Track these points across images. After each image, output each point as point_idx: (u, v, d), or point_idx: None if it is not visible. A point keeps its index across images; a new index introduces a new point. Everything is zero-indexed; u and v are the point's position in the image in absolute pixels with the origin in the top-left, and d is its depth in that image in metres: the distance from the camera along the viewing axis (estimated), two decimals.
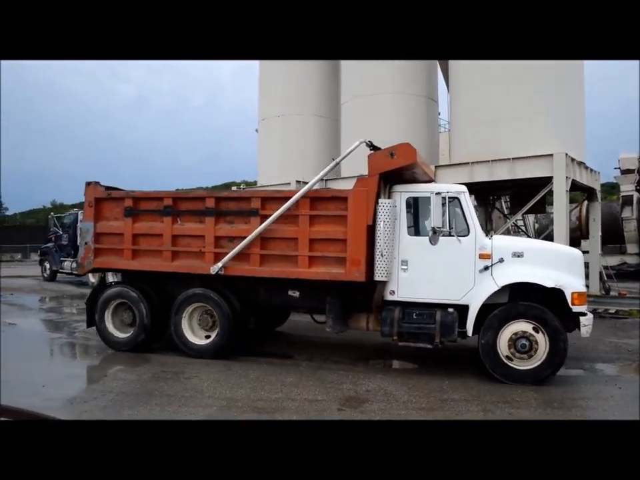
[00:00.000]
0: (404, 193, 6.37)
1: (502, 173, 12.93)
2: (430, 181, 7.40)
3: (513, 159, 12.54)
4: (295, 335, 8.93)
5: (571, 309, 5.85)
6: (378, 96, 16.17)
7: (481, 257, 6.10)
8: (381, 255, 6.10)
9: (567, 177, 11.53)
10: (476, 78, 13.50)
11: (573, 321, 5.95)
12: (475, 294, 6.05)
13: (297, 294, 6.81)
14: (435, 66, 17.88)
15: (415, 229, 6.35)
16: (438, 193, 5.99)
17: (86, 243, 7.15)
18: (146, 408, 4.98)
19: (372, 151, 6.28)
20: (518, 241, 6.66)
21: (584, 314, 5.96)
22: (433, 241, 5.95)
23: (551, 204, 15.33)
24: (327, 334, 7.03)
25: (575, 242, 15.26)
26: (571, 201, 17.31)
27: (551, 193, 12.57)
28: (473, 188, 15.37)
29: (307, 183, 16.51)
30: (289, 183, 17.01)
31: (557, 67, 12.02)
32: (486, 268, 6.06)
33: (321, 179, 6.41)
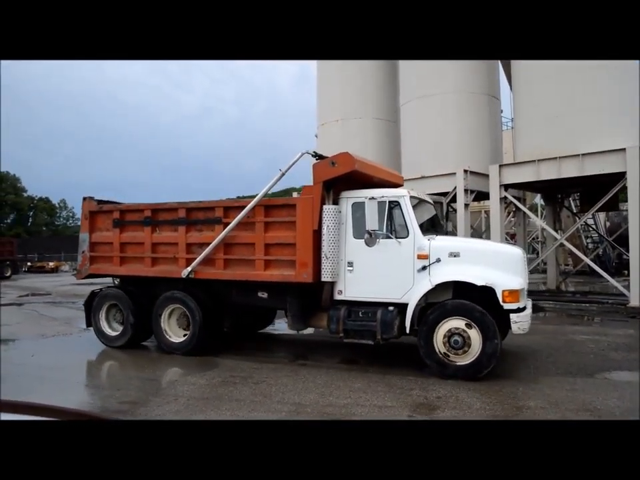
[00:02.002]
0: (349, 198, 7.42)
1: (570, 170, 13.24)
2: (396, 185, 8.38)
3: (582, 154, 12.79)
4: None
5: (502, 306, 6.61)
6: (439, 95, 16.98)
7: (419, 257, 7.01)
8: (326, 257, 7.20)
9: None
10: (540, 72, 13.82)
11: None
12: (414, 293, 6.96)
13: (265, 295, 8.05)
14: (496, 62, 18.32)
15: (359, 232, 7.36)
16: (372, 198, 7.02)
17: (83, 252, 8.88)
18: (216, 412, 5.44)
19: (317, 160, 7.37)
20: (455, 241, 7.44)
21: (520, 310, 6.67)
22: (369, 244, 6.96)
23: (624, 201, 15.28)
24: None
25: None
26: None
27: (623, 189, 12.66)
28: (540, 186, 15.90)
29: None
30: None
31: None
32: (424, 268, 6.96)
33: (270, 189, 7.52)
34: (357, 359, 8.02)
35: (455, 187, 16.16)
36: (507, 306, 6.60)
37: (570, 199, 21.13)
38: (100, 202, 8.96)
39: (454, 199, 16.48)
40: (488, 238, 20.82)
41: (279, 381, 6.63)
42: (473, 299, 6.77)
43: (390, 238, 7.07)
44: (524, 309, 6.80)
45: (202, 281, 8.12)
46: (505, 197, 15.73)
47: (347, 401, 5.82)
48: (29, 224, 67.24)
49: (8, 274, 30.32)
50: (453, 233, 14.76)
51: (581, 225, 21.45)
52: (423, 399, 5.89)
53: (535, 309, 10.22)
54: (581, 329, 10.62)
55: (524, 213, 18.27)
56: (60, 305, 15.96)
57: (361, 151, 20.86)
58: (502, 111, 19.94)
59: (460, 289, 6.94)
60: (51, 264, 38.94)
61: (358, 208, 7.31)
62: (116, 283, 9.32)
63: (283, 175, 7.41)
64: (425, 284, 6.90)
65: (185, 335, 8.21)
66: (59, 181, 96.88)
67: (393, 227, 7.14)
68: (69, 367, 7.79)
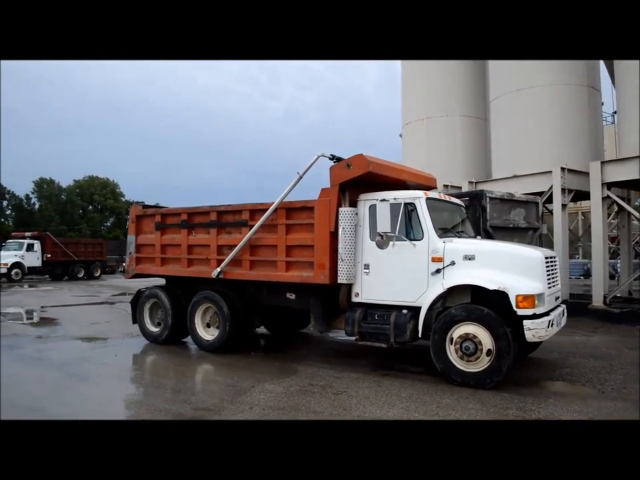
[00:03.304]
0: (367, 201, 7.86)
1: None
2: (426, 187, 8.61)
3: None
4: None
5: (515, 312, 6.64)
6: (532, 89, 16.79)
7: (434, 260, 7.27)
8: (341, 259, 7.68)
9: None
10: None
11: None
12: (427, 296, 7.21)
13: (293, 296, 8.69)
14: None
15: (375, 234, 7.67)
16: (383, 200, 7.38)
17: (130, 253, 10.11)
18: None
19: (335, 163, 7.82)
20: (471, 243, 7.47)
21: (536, 316, 6.66)
22: (380, 246, 7.30)
23: None
24: None
25: None
26: None
27: None
28: None
29: (455, 187, 17.96)
30: (436, 188, 18.51)
31: None
32: (438, 271, 7.20)
33: (289, 192, 8.10)
34: None
35: (551, 186, 15.70)
36: (520, 311, 6.68)
37: None
38: (145, 206, 10.08)
39: (549, 200, 15.95)
40: (588, 241, 19.74)
41: (360, 392, 6.65)
42: (491, 304, 6.85)
43: (403, 240, 7.32)
44: (544, 315, 6.74)
45: (235, 282, 8.95)
46: (608, 196, 14.96)
47: (434, 418, 5.66)
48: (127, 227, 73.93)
49: (97, 274, 33.93)
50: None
51: None
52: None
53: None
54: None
55: (628, 213, 17.20)
56: None
57: (448, 149, 21.22)
58: (602, 104, 18.91)
59: (478, 293, 7.04)
60: None
61: (374, 210, 7.63)
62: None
63: (301, 178, 8.01)
64: (437, 287, 7.12)
65: (216, 334, 8.98)
66: (155, 186, 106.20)
67: (409, 229, 7.38)
68: (149, 369, 8.61)
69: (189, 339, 9.71)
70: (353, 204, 7.92)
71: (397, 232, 7.36)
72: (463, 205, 8.91)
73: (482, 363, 6.80)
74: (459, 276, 7.08)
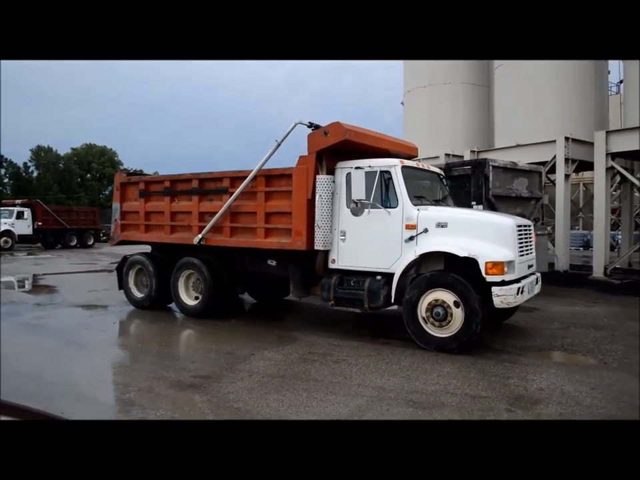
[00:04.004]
0: (344, 169, 8.17)
1: None
2: (408, 155, 8.90)
3: None
4: None
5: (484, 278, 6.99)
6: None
7: (407, 227, 7.61)
8: (318, 226, 8.04)
9: None
10: None
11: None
12: (400, 263, 7.56)
13: (274, 263, 9.07)
14: None
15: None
16: (358, 167, 7.70)
17: (115, 220, 10.53)
18: (292, 393, 5.58)
19: (313, 130, 8.10)
20: (444, 211, 7.77)
21: (506, 283, 7.00)
22: (355, 213, 7.63)
23: None
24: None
25: None
26: None
27: None
28: None
29: (456, 155, 18.17)
30: (437, 157, 18.86)
31: None
32: (411, 238, 7.55)
33: (267, 160, 8.41)
34: None
35: (554, 156, 15.88)
36: (489, 278, 7.02)
37: None
38: (129, 174, 10.42)
39: (552, 170, 16.14)
40: (589, 213, 19.90)
41: (360, 361, 6.79)
42: (464, 271, 7.17)
43: (378, 208, 7.63)
44: (514, 282, 7.07)
45: (218, 249, 9.32)
46: (612, 167, 15.14)
47: (435, 387, 5.77)
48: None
49: (91, 242, 34.51)
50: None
51: None
52: (522, 390, 5.72)
53: None
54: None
55: (631, 184, 17.40)
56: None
57: (451, 117, 21.32)
58: (609, 72, 18.91)
59: (451, 261, 7.37)
60: None
61: (350, 178, 7.93)
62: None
63: (279, 145, 8.33)
64: (410, 254, 7.47)
65: (198, 299, 9.40)
66: (154, 155, 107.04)
67: (384, 197, 7.69)
68: (147, 336, 8.80)
69: (173, 305, 10.16)
70: (332, 172, 8.22)
71: (371, 199, 7.67)
72: (443, 173, 9.19)
73: (451, 329, 7.18)
74: (431, 243, 7.41)
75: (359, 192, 7.62)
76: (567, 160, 15.72)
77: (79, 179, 67.97)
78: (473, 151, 18.36)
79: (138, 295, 10.39)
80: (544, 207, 15.14)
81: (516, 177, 13.29)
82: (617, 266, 16.10)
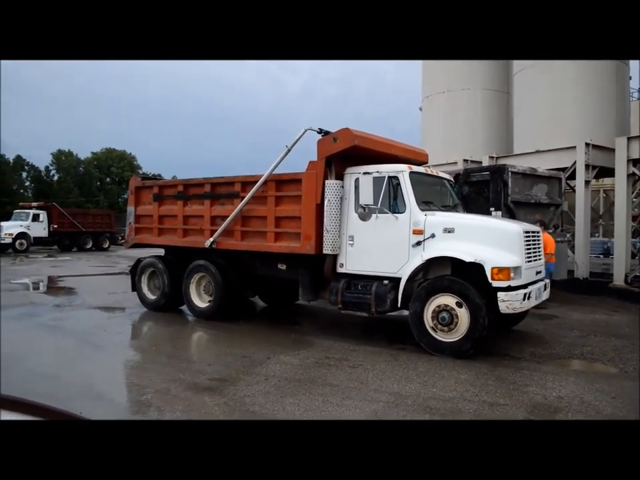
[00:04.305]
0: (352, 174, 8.34)
1: None
2: (418, 162, 9.05)
3: None
4: None
5: (490, 283, 7.10)
6: (557, 61, 16.75)
7: (415, 232, 7.76)
8: (327, 230, 8.22)
9: None
10: None
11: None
12: (407, 268, 7.70)
13: (284, 267, 9.26)
14: None
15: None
16: (366, 173, 7.86)
17: (130, 224, 10.83)
18: (308, 397, 5.62)
19: (322, 136, 8.30)
20: (451, 217, 7.88)
21: (512, 289, 7.09)
22: (362, 218, 7.80)
23: None
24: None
25: None
26: None
27: None
28: None
29: (475, 161, 18.26)
30: (455, 162, 18.97)
31: None
32: (418, 243, 7.69)
33: (278, 165, 8.62)
34: None
35: (575, 162, 15.86)
36: (495, 283, 7.12)
37: None
38: (144, 178, 10.72)
39: (572, 176, 16.13)
40: (609, 220, 19.73)
41: (377, 366, 6.83)
42: (471, 277, 7.29)
43: (386, 213, 7.79)
44: (521, 287, 7.17)
45: (230, 252, 9.57)
46: (633, 173, 15.08)
47: (453, 394, 5.77)
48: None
49: (106, 245, 35.14)
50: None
51: None
52: (541, 398, 5.70)
53: None
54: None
55: None
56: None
57: (469, 123, 21.37)
58: (630, 78, 18.80)
59: (458, 266, 7.50)
60: None
61: (358, 183, 8.09)
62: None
63: (289, 151, 8.53)
64: (417, 259, 7.61)
65: (209, 302, 9.62)
66: (172, 159, 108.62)
67: (392, 202, 7.85)
68: (164, 338, 8.82)
69: (185, 308, 10.40)
70: (341, 177, 8.41)
71: (379, 204, 7.83)
72: (452, 179, 9.30)
73: (461, 330, 7.29)
74: (438, 248, 7.55)
75: (366, 197, 7.79)
76: (587, 166, 15.67)
77: (99, 183, 69.34)
78: (491, 157, 18.37)
79: (151, 296, 10.66)
80: (563, 213, 15.13)
81: (535, 183, 13.32)
82: (638, 274, 15.99)
